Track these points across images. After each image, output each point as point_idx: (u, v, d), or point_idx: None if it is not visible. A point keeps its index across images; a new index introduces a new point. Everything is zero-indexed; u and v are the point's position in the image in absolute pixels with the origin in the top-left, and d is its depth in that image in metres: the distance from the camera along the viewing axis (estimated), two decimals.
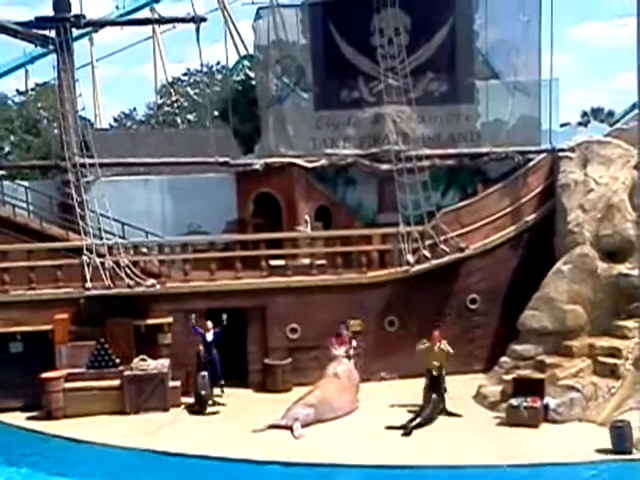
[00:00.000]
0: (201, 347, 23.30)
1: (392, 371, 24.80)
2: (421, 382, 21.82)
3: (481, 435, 19.52)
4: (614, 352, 21.58)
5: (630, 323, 21.90)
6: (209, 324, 23.57)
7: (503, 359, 22.99)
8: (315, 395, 21.43)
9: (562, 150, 26.26)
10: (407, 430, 19.88)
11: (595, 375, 21.31)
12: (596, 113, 50.43)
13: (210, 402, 22.74)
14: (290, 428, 20.06)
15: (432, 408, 20.79)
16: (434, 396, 21.00)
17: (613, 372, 21.06)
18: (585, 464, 17.49)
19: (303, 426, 20.20)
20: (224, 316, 23.44)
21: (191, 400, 22.82)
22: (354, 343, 23.44)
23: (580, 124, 39.21)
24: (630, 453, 17.54)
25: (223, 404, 22.89)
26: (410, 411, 21.20)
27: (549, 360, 21.92)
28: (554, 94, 28.52)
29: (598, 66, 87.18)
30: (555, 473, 17.39)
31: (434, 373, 21.28)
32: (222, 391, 23.63)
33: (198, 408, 22.45)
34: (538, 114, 28.57)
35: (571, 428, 19.72)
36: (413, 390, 22.19)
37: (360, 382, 22.91)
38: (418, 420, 20.30)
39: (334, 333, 23.40)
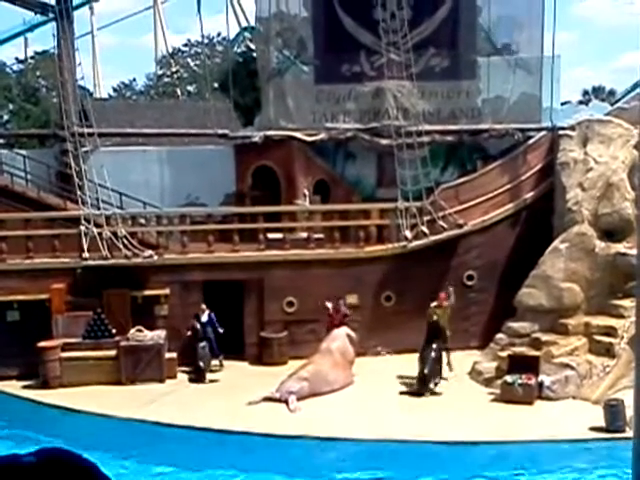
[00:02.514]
0: (196, 323, 23.38)
1: (388, 346, 24.86)
2: (416, 357, 21.91)
3: (475, 411, 19.60)
4: (610, 331, 21.67)
5: (626, 302, 21.89)
6: (203, 306, 23.60)
7: (499, 336, 23.07)
8: (308, 369, 21.53)
9: (562, 128, 26.22)
10: (419, 390, 20.38)
11: (590, 353, 21.44)
12: (597, 92, 50.22)
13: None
14: (285, 402, 20.13)
15: (431, 364, 21.01)
16: (432, 355, 21.15)
17: (608, 351, 21.16)
18: (578, 442, 17.61)
19: (297, 399, 20.27)
20: (204, 306, 23.58)
21: (187, 371, 22.96)
22: (345, 311, 23.60)
23: (581, 103, 39.11)
24: (623, 431, 17.56)
25: (217, 377, 23.03)
26: (404, 383, 21.37)
27: (545, 338, 22.02)
28: (555, 72, 28.45)
29: (601, 44, 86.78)
30: (548, 450, 17.50)
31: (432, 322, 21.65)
32: (221, 364, 23.68)
33: (197, 377, 22.57)
34: (539, 91, 28.46)
35: (565, 406, 19.84)
36: (409, 364, 22.25)
37: (355, 357, 22.91)
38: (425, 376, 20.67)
39: (334, 309, 23.49)
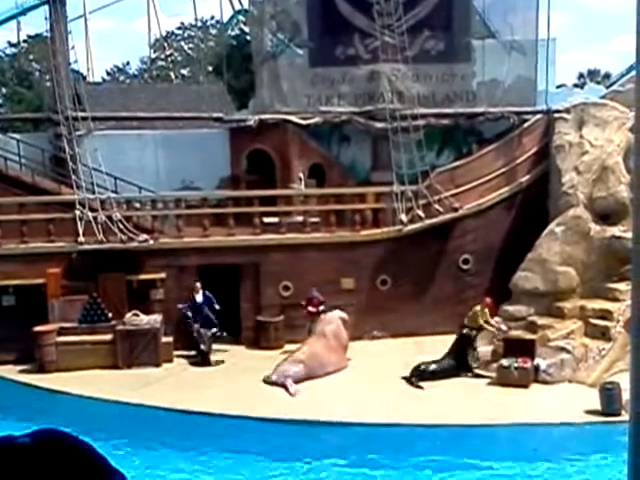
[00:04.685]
0: (187, 311, 23.43)
1: (384, 329, 24.88)
2: (411, 340, 21.97)
3: (471, 395, 19.66)
4: (605, 314, 21.72)
5: (622, 285, 21.94)
6: (197, 285, 23.58)
7: (495, 319, 23.00)
8: (304, 352, 21.57)
9: (558, 111, 26.20)
10: (409, 377, 20.26)
11: (586, 337, 21.49)
12: (592, 75, 50.17)
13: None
14: (282, 385, 20.17)
15: (443, 365, 20.92)
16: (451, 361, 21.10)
17: (604, 334, 21.21)
18: (574, 425, 17.67)
19: (295, 382, 20.32)
20: (198, 285, 23.62)
21: (183, 356, 22.99)
22: (322, 307, 23.53)
23: (576, 86, 39.00)
24: (619, 415, 17.62)
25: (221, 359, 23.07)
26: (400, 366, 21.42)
27: (540, 321, 22.04)
28: (551, 55, 28.41)
29: (596, 27, 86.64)
30: (544, 433, 17.57)
31: (464, 331, 21.42)
32: (221, 335, 23.79)
33: (201, 360, 22.63)
34: (534, 74, 28.41)
35: (561, 389, 19.91)
36: (405, 348, 22.32)
37: (349, 341, 22.91)
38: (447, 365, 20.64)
39: (306, 299, 23.64)
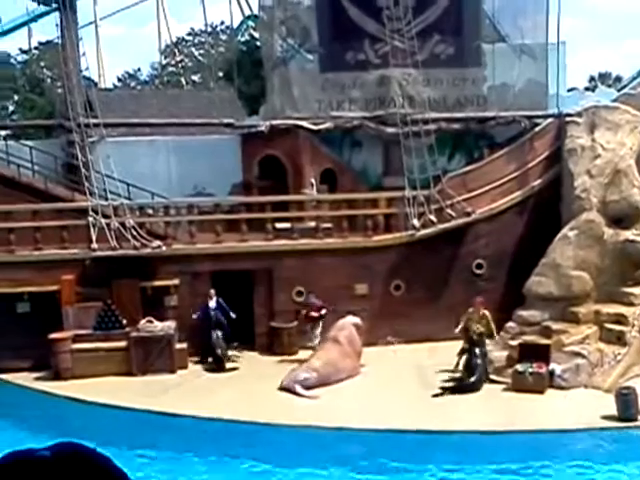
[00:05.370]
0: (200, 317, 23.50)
1: (398, 335, 24.83)
2: (426, 346, 21.94)
3: (486, 400, 19.64)
4: (620, 319, 21.67)
5: (636, 290, 21.99)
6: (211, 291, 23.62)
7: (509, 324, 22.93)
8: (319, 358, 21.55)
9: (569, 115, 26.17)
10: (441, 393, 19.90)
11: (601, 341, 21.40)
12: (604, 78, 50.08)
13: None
14: (294, 392, 20.20)
15: (478, 377, 20.67)
16: (478, 362, 20.87)
17: (619, 339, 21.16)
18: (590, 430, 17.63)
19: (306, 388, 20.33)
20: (212, 291, 23.62)
21: (197, 362, 23.05)
22: (323, 311, 23.52)
23: (587, 89, 38.93)
24: (635, 420, 17.66)
25: (236, 365, 23.10)
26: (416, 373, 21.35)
27: (555, 326, 21.94)
28: (561, 58, 28.41)
29: (607, 30, 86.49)
30: (560, 439, 17.52)
31: (474, 337, 21.34)
32: (238, 352, 23.78)
33: (217, 366, 22.70)
34: (545, 78, 28.40)
35: (576, 394, 19.84)
36: (419, 354, 22.32)
37: (363, 347, 22.86)
38: (471, 380, 20.32)
39: (304, 308, 23.72)
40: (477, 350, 20.99)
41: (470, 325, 21.50)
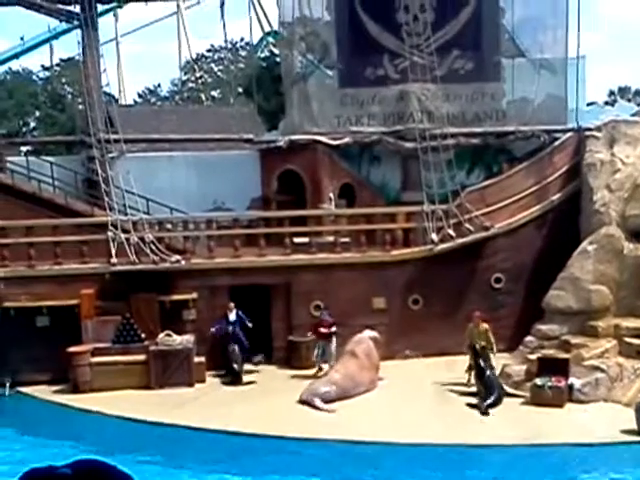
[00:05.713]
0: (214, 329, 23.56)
1: (416, 349, 24.79)
2: (444, 360, 21.89)
3: (504, 414, 19.52)
4: None
5: None
6: (231, 304, 23.67)
7: (528, 338, 22.81)
8: (339, 372, 21.51)
9: (588, 129, 26.10)
10: (483, 410, 19.68)
11: (620, 356, 21.22)
12: (623, 92, 49.94)
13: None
14: (311, 405, 20.18)
15: (500, 386, 20.59)
16: (489, 373, 20.78)
17: (639, 353, 20.97)
18: (610, 445, 17.48)
19: (326, 402, 20.30)
20: (232, 304, 23.64)
21: (215, 375, 23.07)
22: (333, 329, 23.39)
23: (607, 103, 38.90)
24: None
25: (254, 379, 23.10)
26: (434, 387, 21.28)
27: (574, 340, 21.80)
28: (581, 72, 28.36)
29: (626, 45, 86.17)
30: (579, 453, 17.37)
31: (479, 352, 21.26)
32: (260, 362, 23.79)
33: (234, 380, 22.70)
34: (564, 93, 28.39)
35: (596, 408, 19.69)
36: (437, 368, 22.25)
37: (381, 360, 22.79)
38: (492, 399, 20.07)
39: (313, 325, 23.58)
40: (484, 363, 20.90)
41: (473, 340, 21.47)
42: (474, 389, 21.02)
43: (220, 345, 23.36)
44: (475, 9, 28.76)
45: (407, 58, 28.00)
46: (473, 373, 21.34)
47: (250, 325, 23.50)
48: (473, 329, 21.90)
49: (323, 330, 23.28)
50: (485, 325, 21.88)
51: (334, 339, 23.30)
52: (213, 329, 23.60)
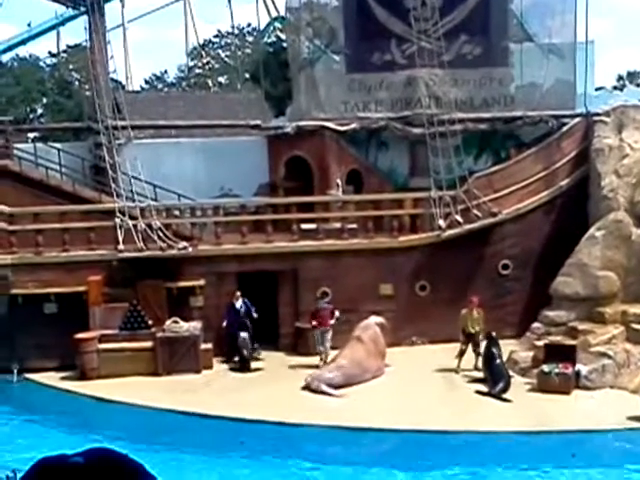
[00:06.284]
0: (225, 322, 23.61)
1: (423, 335, 24.78)
2: (451, 347, 21.89)
3: (512, 401, 19.50)
4: None
5: None
6: (237, 293, 23.68)
7: (535, 325, 22.79)
8: (345, 358, 21.51)
9: (597, 114, 25.95)
10: (497, 395, 19.69)
11: (628, 342, 21.20)
12: (632, 77, 49.66)
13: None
14: (317, 391, 20.21)
15: (505, 370, 20.65)
16: (498, 362, 20.78)
17: None
18: (616, 431, 17.46)
19: (332, 388, 20.33)
20: (238, 293, 23.62)
21: (223, 362, 23.14)
22: (337, 314, 23.24)
23: (615, 88, 38.70)
24: None
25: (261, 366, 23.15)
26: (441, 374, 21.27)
27: (581, 326, 21.77)
28: (589, 57, 28.21)
29: (635, 30, 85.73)
30: (586, 440, 17.37)
31: (475, 337, 21.47)
32: (258, 353, 23.81)
33: (242, 366, 22.75)
34: (573, 78, 28.26)
35: (603, 395, 19.67)
36: (444, 354, 22.26)
37: (387, 347, 22.76)
38: (501, 385, 20.05)
39: (310, 313, 23.38)
40: (496, 350, 20.95)
41: (470, 325, 21.55)
42: (481, 375, 21.06)
43: (228, 334, 23.35)
44: None
45: (415, 43, 27.86)
46: (481, 359, 21.35)
47: (255, 316, 23.50)
48: (467, 314, 21.95)
49: (330, 321, 23.11)
50: (479, 309, 21.91)
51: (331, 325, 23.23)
52: (225, 323, 23.58)
